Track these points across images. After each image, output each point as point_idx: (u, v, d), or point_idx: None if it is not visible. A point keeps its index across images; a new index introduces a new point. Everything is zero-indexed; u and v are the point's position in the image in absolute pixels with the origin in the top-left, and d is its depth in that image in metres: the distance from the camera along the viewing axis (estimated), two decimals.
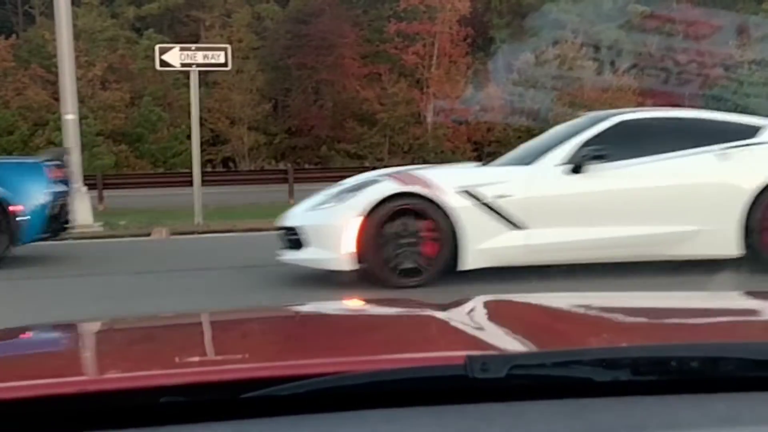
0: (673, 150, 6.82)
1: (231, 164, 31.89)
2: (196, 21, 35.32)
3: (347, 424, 0.96)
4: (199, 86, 14.82)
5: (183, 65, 13.92)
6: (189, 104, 14.87)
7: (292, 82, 34.74)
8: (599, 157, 6.62)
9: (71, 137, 12.76)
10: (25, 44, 33.79)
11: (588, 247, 6.58)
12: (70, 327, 1.68)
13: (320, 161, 32.16)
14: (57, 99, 19.82)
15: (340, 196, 6.73)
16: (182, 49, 14.11)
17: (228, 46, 15.45)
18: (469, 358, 1.01)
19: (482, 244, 6.48)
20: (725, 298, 1.72)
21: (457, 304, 1.56)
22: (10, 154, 29.69)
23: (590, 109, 30.44)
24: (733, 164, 6.74)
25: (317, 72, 34.02)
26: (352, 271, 6.44)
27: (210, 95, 31.08)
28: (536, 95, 29.14)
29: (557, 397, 1.00)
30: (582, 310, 1.68)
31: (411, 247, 6.48)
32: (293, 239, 6.71)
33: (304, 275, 6.84)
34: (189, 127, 16.31)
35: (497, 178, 6.67)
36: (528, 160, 6.92)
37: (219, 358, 1.34)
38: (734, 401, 1.00)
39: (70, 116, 12.83)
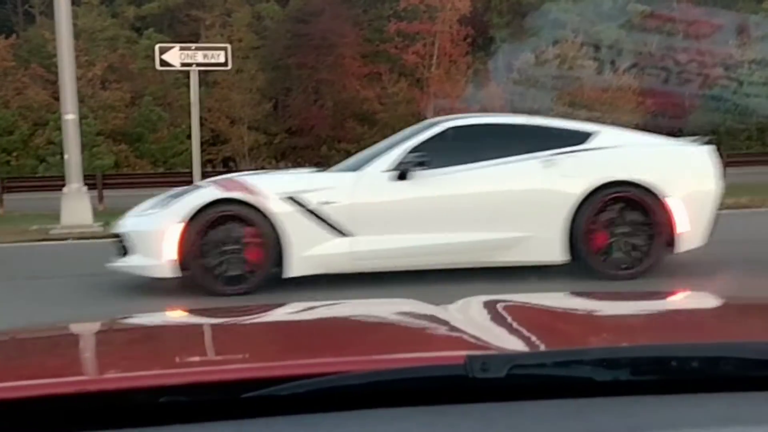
0: (503, 156, 6.79)
1: (231, 164, 31.84)
2: (196, 20, 35.31)
3: (347, 424, 0.96)
4: (200, 86, 14.82)
5: (183, 65, 13.93)
6: (189, 104, 14.88)
7: (293, 81, 34.75)
8: (422, 164, 6.57)
9: (71, 137, 12.76)
10: (25, 44, 33.79)
11: (414, 254, 6.55)
12: (70, 327, 1.68)
13: (321, 161, 32.13)
14: (57, 99, 19.82)
15: (163, 202, 6.70)
16: (182, 48, 14.11)
17: (228, 45, 15.46)
18: (469, 357, 1.00)
19: (307, 251, 6.45)
20: (724, 299, 1.72)
21: (457, 304, 1.56)
22: (10, 154, 29.80)
23: (590, 109, 30.44)
24: (559, 171, 6.71)
25: (317, 71, 34.03)
26: (175, 278, 6.43)
27: (210, 95, 31.09)
28: (536, 95, 29.12)
29: (557, 397, 1.00)
30: (582, 310, 1.68)
31: (235, 254, 6.44)
32: (121, 246, 6.70)
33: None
34: (189, 127, 16.31)
35: (323, 185, 6.64)
36: (359, 166, 6.89)
37: (219, 358, 1.34)
38: (734, 401, 1.00)
39: (70, 116, 12.83)
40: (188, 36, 31.26)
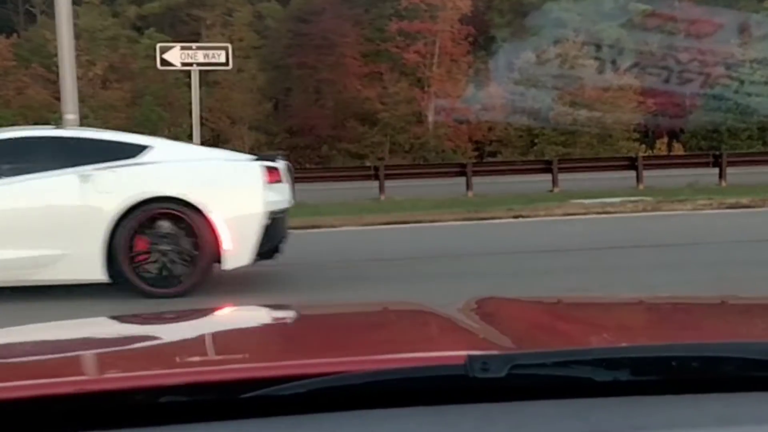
0: (45, 170, 6.63)
1: None
2: (197, 20, 35.34)
3: (347, 424, 0.96)
4: (200, 85, 14.84)
5: (184, 64, 13.94)
6: (190, 104, 14.89)
7: (293, 81, 34.77)
8: None
9: None
10: (26, 43, 33.83)
11: None
12: (69, 326, 1.68)
13: (321, 161, 32.17)
14: (58, 98, 19.81)
15: None
16: (183, 48, 14.13)
17: (229, 45, 15.48)
18: (470, 357, 1.00)
19: None
20: (719, 300, 1.72)
21: (457, 304, 1.56)
22: None
23: (591, 108, 30.38)
24: (96, 186, 6.55)
25: (318, 71, 34.05)
26: None
27: (211, 94, 31.12)
28: (537, 94, 29.16)
29: (558, 397, 0.99)
30: (582, 310, 1.68)
31: None
32: None
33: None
34: (190, 127, 16.32)
35: None
36: None
37: (219, 358, 1.34)
38: (734, 401, 1.00)
39: (70, 116, 12.81)
40: (189, 35, 31.28)
